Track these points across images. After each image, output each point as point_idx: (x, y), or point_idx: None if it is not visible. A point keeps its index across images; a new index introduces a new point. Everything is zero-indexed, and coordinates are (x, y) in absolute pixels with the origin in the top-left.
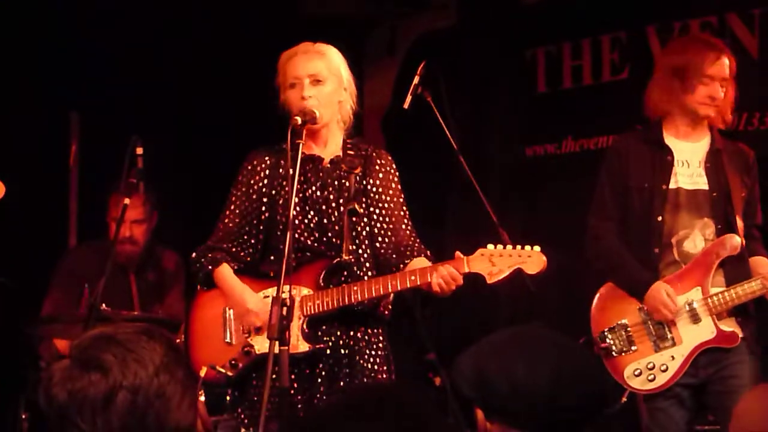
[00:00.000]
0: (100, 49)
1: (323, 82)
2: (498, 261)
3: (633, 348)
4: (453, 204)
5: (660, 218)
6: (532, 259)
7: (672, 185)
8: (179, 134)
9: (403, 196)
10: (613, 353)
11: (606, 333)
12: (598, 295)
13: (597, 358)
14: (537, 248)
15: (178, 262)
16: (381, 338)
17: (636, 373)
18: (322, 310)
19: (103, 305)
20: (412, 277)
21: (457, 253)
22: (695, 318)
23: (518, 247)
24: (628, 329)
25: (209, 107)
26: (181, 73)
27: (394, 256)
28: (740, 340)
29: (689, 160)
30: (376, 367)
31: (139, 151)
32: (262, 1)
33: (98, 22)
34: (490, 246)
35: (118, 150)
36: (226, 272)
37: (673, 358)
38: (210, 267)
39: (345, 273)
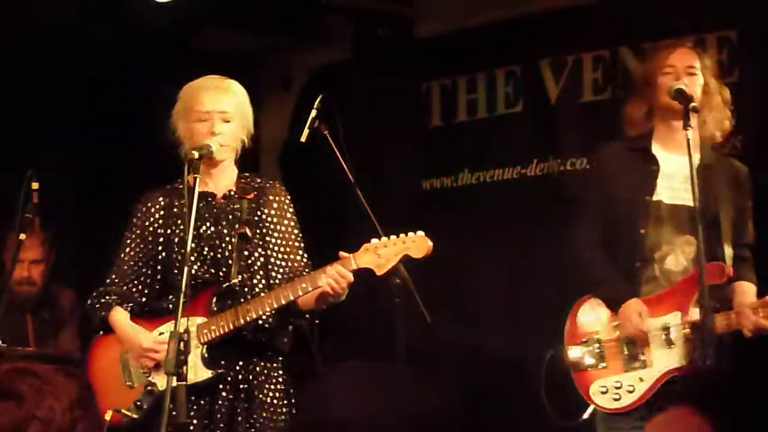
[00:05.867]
0: None
1: (231, 121)
2: (384, 252)
3: (603, 364)
4: (349, 237)
5: (642, 231)
6: (417, 244)
7: (655, 197)
8: (76, 170)
9: (298, 226)
10: (582, 367)
11: (578, 345)
12: (575, 307)
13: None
14: (420, 233)
15: (73, 300)
16: (281, 372)
17: (602, 390)
18: (218, 334)
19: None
20: (303, 285)
21: (341, 252)
22: (669, 343)
23: (401, 234)
24: (601, 345)
25: (103, 142)
26: (76, 108)
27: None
28: None
29: (675, 173)
30: (275, 401)
31: (35, 186)
32: (154, 34)
33: None
34: (374, 239)
35: (13, 185)
36: (118, 316)
37: (641, 380)
38: (103, 313)
39: (236, 296)
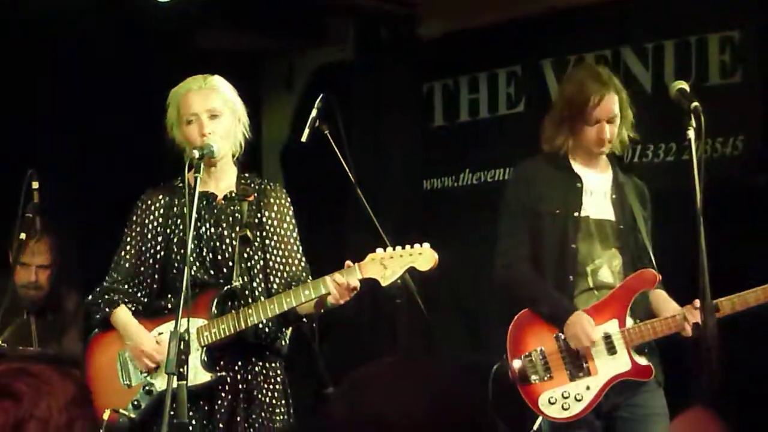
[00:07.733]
0: None
1: (220, 116)
2: (389, 263)
3: (548, 375)
4: (351, 237)
5: (574, 246)
6: (423, 256)
7: (583, 213)
8: (81, 171)
9: (296, 230)
10: (529, 380)
11: (522, 359)
12: (514, 322)
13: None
14: (426, 245)
15: (78, 303)
16: (279, 372)
17: (551, 401)
18: (219, 338)
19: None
20: (306, 292)
21: (348, 261)
22: (611, 350)
23: (407, 246)
24: (545, 357)
25: (105, 142)
26: (77, 109)
27: (286, 290)
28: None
29: (596, 190)
30: (274, 401)
31: (35, 185)
32: (156, 35)
33: None
34: (380, 250)
35: (14, 185)
36: (122, 314)
37: (588, 388)
38: (107, 309)
39: (237, 299)
